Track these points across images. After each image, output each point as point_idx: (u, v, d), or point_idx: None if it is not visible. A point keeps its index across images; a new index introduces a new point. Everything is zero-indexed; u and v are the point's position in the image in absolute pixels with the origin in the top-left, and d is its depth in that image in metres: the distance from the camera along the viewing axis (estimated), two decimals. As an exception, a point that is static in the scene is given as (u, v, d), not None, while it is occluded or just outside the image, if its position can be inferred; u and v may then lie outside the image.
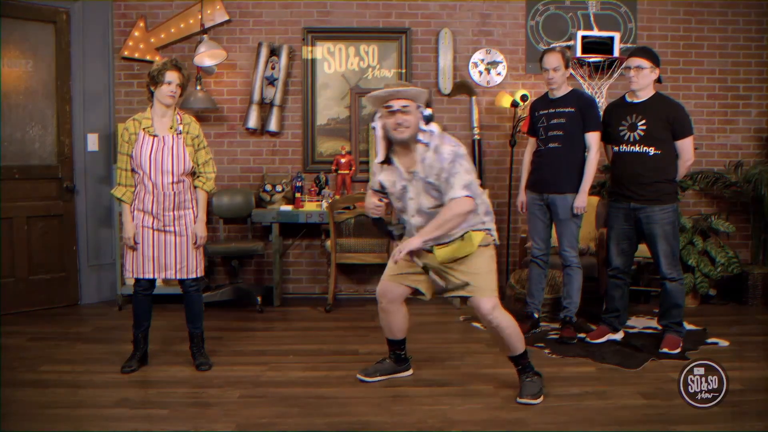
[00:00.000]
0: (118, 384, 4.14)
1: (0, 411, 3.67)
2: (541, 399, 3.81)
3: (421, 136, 3.65)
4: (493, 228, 3.89)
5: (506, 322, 3.81)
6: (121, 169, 4.28)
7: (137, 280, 4.34)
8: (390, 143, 3.74)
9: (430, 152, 3.63)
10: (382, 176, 3.84)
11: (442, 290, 3.83)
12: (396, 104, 3.60)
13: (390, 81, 6.46)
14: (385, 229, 3.86)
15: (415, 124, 3.63)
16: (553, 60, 4.88)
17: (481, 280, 3.79)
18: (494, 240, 3.89)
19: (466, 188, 3.57)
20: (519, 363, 3.91)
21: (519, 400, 3.81)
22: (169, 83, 4.20)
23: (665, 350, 4.63)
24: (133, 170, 4.28)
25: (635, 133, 4.66)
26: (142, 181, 4.23)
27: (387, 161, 3.78)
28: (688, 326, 5.08)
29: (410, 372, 4.30)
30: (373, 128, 3.85)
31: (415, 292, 4.02)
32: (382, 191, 3.88)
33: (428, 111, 3.70)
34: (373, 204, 3.83)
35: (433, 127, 3.71)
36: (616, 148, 4.80)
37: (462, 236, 3.73)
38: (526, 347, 3.92)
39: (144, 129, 4.23)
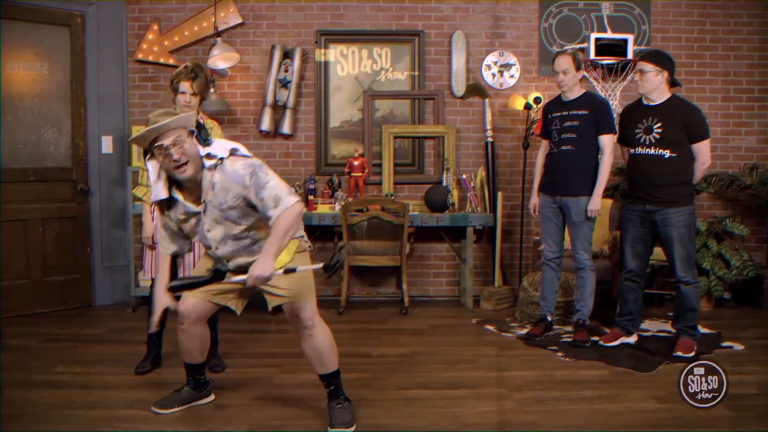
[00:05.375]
0: (132, 385, 4.15)
1: (13, 411, 3.70)
2: (354, 428, 3.47)
3: (206, 163, 3.25)
4: (305, 235, 3.57)
5: (325, 332, 3.49)
6: (142, 169, 4.33)
7: (153, 281, 4.36)
8: (171, 180, 3.30)
9: (218, 173, 3.23)
10: (165, 218, 3.44)
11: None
12: (166, 140, 3.14)
13: (403, 83, 6.47)
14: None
15: (195, 153, 3.21)
16: (563, 62, 4.87)
17: (300, 284, 3.40)
18: (309, 246, 3.59)
19: (290, 193, 3.18)
20: (331, 383, 3.55)
21: (330, 430, 3.44)
22: (183, 93, 4.24)
23: (679, 354, 4.61)
24: None
25: (651, 136, 4.64)
26: None
27: (168, 200, 3.34)
28: (702, 330, 5.05)
29: (212, 398, 3.91)
30: (146, 169, 3.39)
31: (224, 308, 3.60)
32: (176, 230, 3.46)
33: (201, 126, 3.32)
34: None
35: (215, 145, 3.32)
36: (631, 151, 4.78)
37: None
38: (339, 368, 3.57)
39: None
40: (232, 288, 3.51)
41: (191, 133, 3.25)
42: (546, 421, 3.63)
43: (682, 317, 4.74)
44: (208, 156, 3.25)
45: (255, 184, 3.18)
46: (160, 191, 3.30)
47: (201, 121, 3.34)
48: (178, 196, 3.32)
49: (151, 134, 3.16)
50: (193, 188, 3.29)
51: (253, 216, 3.29)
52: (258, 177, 3.18)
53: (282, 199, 3.14)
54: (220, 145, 3.32)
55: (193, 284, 3.34)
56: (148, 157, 3.27)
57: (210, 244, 3.39)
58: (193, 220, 3.35)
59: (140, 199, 4.37)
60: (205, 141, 3.28)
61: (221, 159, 3.25)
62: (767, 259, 6.49)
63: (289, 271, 3.22)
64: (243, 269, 3.31)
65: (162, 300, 3.44)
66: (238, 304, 3.60)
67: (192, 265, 4.30)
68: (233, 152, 3.30)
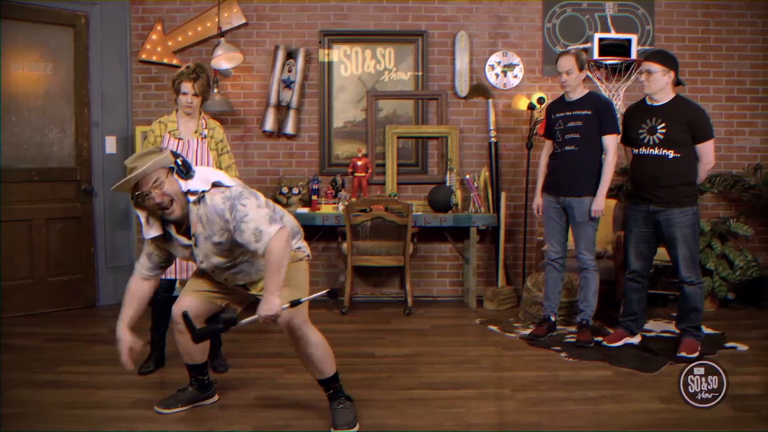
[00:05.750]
0: (136, 385, 4.16)
1: (17, 411, 3.71)
2: (357, 428, 3.48)
3: (190, 198, 3.24)
4: (304, 245, 3.57)
5: (317, 338, 3.42)
6: None
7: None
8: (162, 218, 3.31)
9: (201, 207, 3.24)
10: (159, 252, 3.46)
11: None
12: (145, 186, 3.15)
13: (406, 83, 6.47)
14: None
15: (177, 190, 3.20)
16: (565, 63, 4.87)
17: (291, 294, 3.32)
18: (307, 255, 3.57)
19: (271, 222, 3.16)
20: (330, 387, 3.54)
21: (333, 430, 3.44)
22: (185, 94, 4.26)
23: (683, 354, 4.60)
24: None
25: (655, 137, 4.64)
26: None
27: (163, 236, 3.37)
28: (706, 330, 5.05)
29: (216, 398, 3.89)
30: (137, 216, 3.36)
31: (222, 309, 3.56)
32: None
33: (178, 161, 3.25)
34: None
35: (197, 177, 3.28)
36: (635, 151, 4.78)
37: None
38: (337, 370, 3.55)
39: (169, 132, 4.29)
40: (228, 290, 3.52)
41: (170, 170, 3.24)
42: (549, 421, 3.63)
43: (685, 318, 4.73)
44: (190, 192, 3.24)
45: (234, 218, 3.17)
46: (152, 231, 3.35)
47: (178, 153, 3.34)
48: (171, 230, 3.36)
49: (129, 183, 3.18)
50: (182, 222, 3.31)
51: (242, 247, 3.28)
52: (237, 211, 3.17)
53: (263, 232, 3.12)
54: (202, 177, 3.30)
55: (213, 332, 3.37)
56: (134, 204, 3.28)
57: (207, 269, 3.45)
58: (184, 253, 3.41)
59: None
60: (187, 174, 3.25)
61: (203, 192, 3.25)
62: (771, 260, 6.49)
63: (295, 303, 3.21)
64: (243, 287, 3.42)
65: (126, 340, 3.43)
66: (237, 307, 3.54)
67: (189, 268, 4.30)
68: (215, 185, 3.29)
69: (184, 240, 3.33)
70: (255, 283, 3.53)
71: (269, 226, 3.13)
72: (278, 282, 3.11)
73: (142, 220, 3.32)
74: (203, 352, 3.76)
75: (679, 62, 4.80)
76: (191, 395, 3.82)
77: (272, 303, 3.10)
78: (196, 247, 3.32)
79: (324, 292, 3.34)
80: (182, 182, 3.23)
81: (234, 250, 3.32)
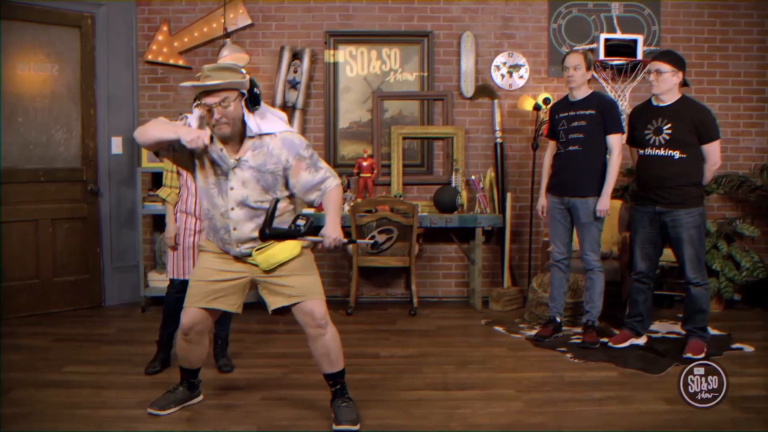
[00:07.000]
0: (141, 385, 4.16)
1: (22, 411, 3.72)
2: (359, 426, 3.49)
3: (250, 124, 3.29)
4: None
5: (334, 331, 3.53)
6: (167, 170, 4.37)
7: (171, 281, 4.37)
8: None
9: (270, 141, 3.32)
10: (182, 154, 3.36)
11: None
12: (211, 100, 3.18)
13: (412, 84, 6.47)
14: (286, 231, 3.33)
15: (237, 116, 3.24)
16: (574, 59, 4.88)
17: (311, 282, 3.49)
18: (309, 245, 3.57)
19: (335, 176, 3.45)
20: (337, 382, 3.58)
21: (336, 427, 3.45)
22: None
23: (689, 355, 4.58)
24: (178, 172, 4.34)
25: (660, 137, 4.63)
26: (186, 183, 4.28)
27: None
28: (712, 331, 5.04)
29: (201, 397, 3.89)
30: (185, 117, 3.39)
31: (224, 313, 3.64)
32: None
33: (254, 91, 3.26)
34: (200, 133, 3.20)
35: (269, 117, 3.38)
36: (641, 152, 4.77)
37: None
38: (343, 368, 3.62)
39: None
40: (227, 287, 3.47)
41: (241, 95, 3.26)
42: (555, 422, 3.63)
43: (691, 319, 4.72)
44: (256, 125, 3.30)
45: (311, 157, 3.39)
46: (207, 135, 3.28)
47: (256, 83, 3.34)
48: (216, 142, 3.32)
49: (198, 89, 3.21)
50: (228, 146, 3.32)
51: (277, 190, 3.38)
52: (311, 151, 3.40)
53: (332, 177, 3.42)
54: (275, 119, 3.41)
55: (281, 235, 3.32)
56: (195, 104, 3.28)
57: (225, 204, 3.36)
58: (218, 170, 3.34)
59: (164, 200, 4.39)
60: (253, 106, 3.30)
61: (274, 133, 3.35)
62: (778, 261, 6.47)
63: (351, 242, 3.64)
64: (244, 241, 3.39)
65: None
66: (237, 305, 3.54)
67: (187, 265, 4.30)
68: (284, 124, 3.44)
69: (228, 159, 3.31)
70: (261, 248, 3.41)
71: (335, 178, 3.44)
72: (339, 220, 3.40)
73: (194, 122, 3.34)
74: (201, 360, 3.75)
75: (686, 63, 4.80)
76: (182, 395, 3.81)
77: (339, 233, 3.33)
78: (239, 169, 3.32)
79: (371, 240, 3.82)
80: (246, 112, 3.29)
81: (273, 187, 3.37)
